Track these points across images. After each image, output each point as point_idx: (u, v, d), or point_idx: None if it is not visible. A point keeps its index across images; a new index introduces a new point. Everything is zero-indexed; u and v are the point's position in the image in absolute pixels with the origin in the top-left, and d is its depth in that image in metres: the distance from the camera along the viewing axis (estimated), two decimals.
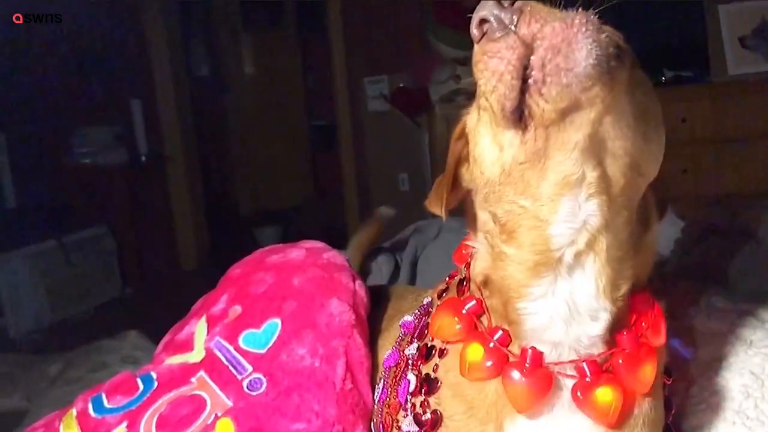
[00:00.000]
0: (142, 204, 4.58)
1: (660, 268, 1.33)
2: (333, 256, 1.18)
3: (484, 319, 0.86)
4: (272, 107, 6.05)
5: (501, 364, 0.82)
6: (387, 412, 0.98)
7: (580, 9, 0.65)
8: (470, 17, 0.68)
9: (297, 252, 1.19)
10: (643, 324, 0.82)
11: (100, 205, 4.34)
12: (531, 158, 0.69)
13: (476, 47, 0.68)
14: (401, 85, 4.49)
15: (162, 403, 0.99)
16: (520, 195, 0.72)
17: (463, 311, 0.87)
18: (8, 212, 4.08)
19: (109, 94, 4.44)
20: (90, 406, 1.03)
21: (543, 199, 0.71)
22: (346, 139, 4.84)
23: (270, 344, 1.04)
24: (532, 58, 0.64)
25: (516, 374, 0.79)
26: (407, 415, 0.92)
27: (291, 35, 6.00)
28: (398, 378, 0.99)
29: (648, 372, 0.80)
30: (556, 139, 0.67)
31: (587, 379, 0.79)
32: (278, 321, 1.06)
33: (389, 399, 0.99)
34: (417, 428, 0.90)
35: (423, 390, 0.91)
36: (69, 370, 2.92)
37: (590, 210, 0.71)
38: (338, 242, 1.38)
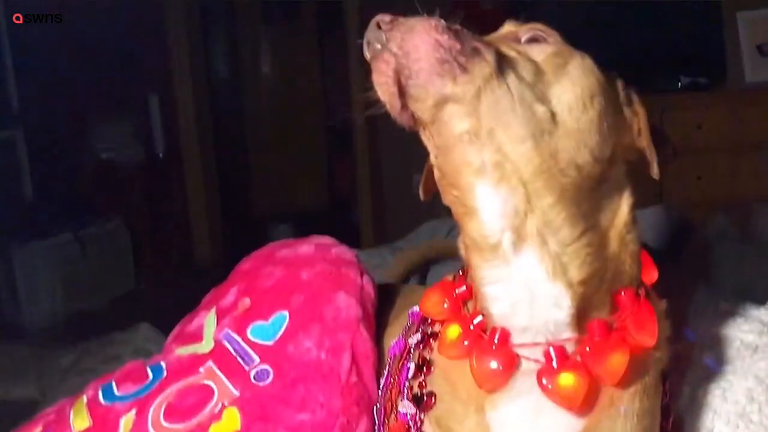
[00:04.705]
0: (158, 201, 4.60)
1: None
2: (341, 251, 1.19)
3: (471, 304, 0.88)
4: (289, 107, 6.06)
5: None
6: (388, 398, 0.99)
7: (425, 14, 0.70)
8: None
9: (306, 247, 1.20)
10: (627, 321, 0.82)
11: (116, 201, 4.36)
12: (439, 152, 0.76)
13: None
14: None
15: (170, 392, 1.00)
16: (450, 185, 0.76)
17: (454, 294, 0.89)
18: (26, 205, 4.12)
19: (127, 90, 4.48)
20: (100, 393, 1.04)
21: (462, 189, 0.75)
22: (362, 139, 4.84)
23: (277, 336, 1.05)
24: None
25: (480, 353, 0.81)
26: (403, 398, 0.95)
27: (309, 30, 6.00)
28: (401, 366, 1.01)
29: (616, 361, 0.79)
30: (444, 134, 0.72)
31: (553, 364, 0.79)
32: (286, 313, 1.07)
33: (392, 386, 1.00)
34: (414, 409, 0.92)
35: (423, 372, 0.93)
36: (81, 362, 2.94)
37: (504, 195, 0.73)
38: (352, 243, 1.38)
